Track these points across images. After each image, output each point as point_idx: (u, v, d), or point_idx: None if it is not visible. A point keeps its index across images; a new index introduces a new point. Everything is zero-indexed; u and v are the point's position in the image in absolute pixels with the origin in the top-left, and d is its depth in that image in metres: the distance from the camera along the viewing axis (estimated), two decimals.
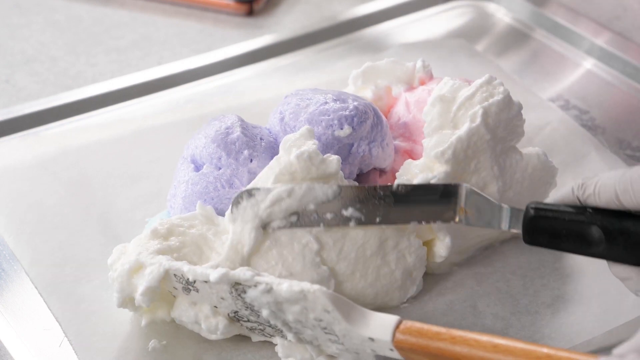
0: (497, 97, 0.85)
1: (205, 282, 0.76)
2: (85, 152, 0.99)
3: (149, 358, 0.80)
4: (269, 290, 0.74)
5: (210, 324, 0.79)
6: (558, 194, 0.76)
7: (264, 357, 0.80)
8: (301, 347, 0.78)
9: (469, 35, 1.18)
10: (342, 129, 0.85)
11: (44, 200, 0.94)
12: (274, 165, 0.80)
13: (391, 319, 0.73)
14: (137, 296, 0.79)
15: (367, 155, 0.86)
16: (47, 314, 0.83)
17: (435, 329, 0.72)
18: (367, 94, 0.93)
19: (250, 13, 1.21)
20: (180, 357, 0.80)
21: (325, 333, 0.75)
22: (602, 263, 0.87)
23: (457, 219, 0.78)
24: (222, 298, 0.77)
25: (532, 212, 0.76)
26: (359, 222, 0.79)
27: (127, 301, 0.81)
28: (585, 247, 0.75)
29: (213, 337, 0.80)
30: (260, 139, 0.85)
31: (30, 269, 0.87)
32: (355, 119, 0.85)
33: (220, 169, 0.84)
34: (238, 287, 0.76)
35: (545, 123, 1.01)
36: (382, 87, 0.93)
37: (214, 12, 1.22)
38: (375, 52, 1.13)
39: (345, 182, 0.82)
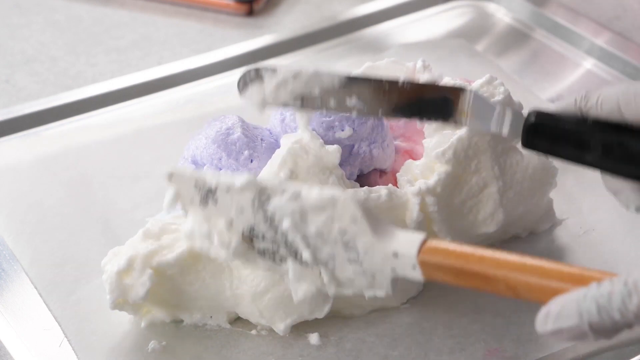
0: (498, 98, 0.85)
1: (228, 191, 0.74)
2: (85, 152, 0.99)
3: (149, 359, 0.80)
4: (296, 196, 0.72)
5: (224, 238, 0.76)
6: (561, 103, 0.76)
7: (265, 353, 0.80)
8: (313, 273, 0.75)
9: (469, 35, 1.18)
10: (343, 130, 0.85)
11: (44, 200, 0.94)
12: (276, 156, 0.80)
13: (417, 236, 0.71)
14: (134, 295, 0.79)
15: (368, 157, 0.85)
16: (47, 314, 0.83)
17: (461, 247, 0.69)
18: None
19: (250, 13, 1.21)
20: (180, 357, 0.80)
21: (346, 250, 0.72)
22: (601, 263, 0.87)
23: (457, 121, 0.77)
24: (242, 210, 0.74)
25: (533, 118, 0.76)
26: (361, 112, 0.78)
27: (120, 303, 0.81)
28: (582, 155, 0.75)
29: (223, 253, 0.76)
30: (261, 139, 0.85)
31: (30, 269, 0.87)
32: (356, 120, 0.85)
33: (220, 169, 0.84)
34: (263, 195, 0.73)
35: None
36: None
37: (214, 12, 1.22)
38: (375, 52, 1.13)
39: (346, 182, 0.82)
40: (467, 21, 1.21)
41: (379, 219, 0.72)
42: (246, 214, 0.74)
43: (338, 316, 0.83)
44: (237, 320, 0.83)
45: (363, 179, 0.87)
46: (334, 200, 0.71)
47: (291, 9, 1.23)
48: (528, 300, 0.68)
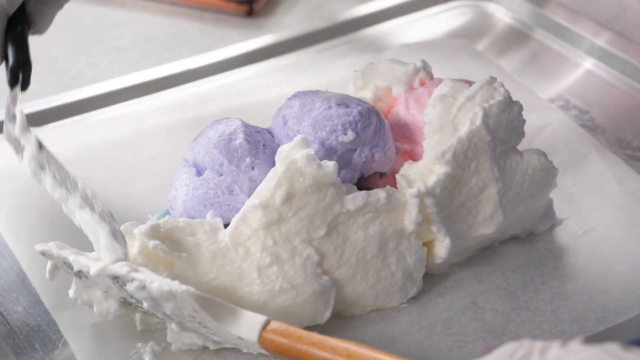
0: (498, 99, 0.85)
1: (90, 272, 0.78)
2: (85, 152, 0.99)
3: (148, 358, 0.80)
4: (142, 287, 0.75)
5: (102, 308, 0.81)
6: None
7: (263, 355, 0.80)
8: (189, 333, 0.79)
9: (469, 35, 1.18)
10: (346, 134, 0.84)
11: (44, 199, 0.94)
12: (271, 178, 0.80)
13: (259, 319, 0.75)
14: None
15: (370, 161, 0.85)
16: (47, 314, 0.83)
17: (299, 332, 0.74)
18: (367, 94, 0.93)
19: (250, 13, 1.21)
20: (179, 357, 0.80)
21: (203, 327, 0.76)
22: (601, 262, 0.87)
23: None
24: (109, 286, 0.78)
25: None
26: None
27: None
28: None
29: (108, 319, 0.81)
30: (263, 145, 0.85)
31: (29, 268, 0.87)
32: (359, 125, 0.85)
33: (221, 175, 0.84)
34: (118, 280, 0.77)
35: (545, 124, 1.01)
36: (382, 88, 0.93)
37: (213, 12, 1.22)
38: (375, 52, 1.13)
39: (343, 188, 0.82)
40: (467, 21, 1.21)
41: (221, 303, 0.76)
42: (114, 290, 0.79)
43: (338, 317, 0.83)
44: None
45: (363, 181, 0.87)
46: (173, 294, 0.75)
47: (291, 9, 1.23)
48: None
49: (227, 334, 0.76)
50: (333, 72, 1.09)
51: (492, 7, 1.22)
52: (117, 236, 0.79)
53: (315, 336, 0.73)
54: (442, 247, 0.84)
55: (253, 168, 0.84)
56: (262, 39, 1.16)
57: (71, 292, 0.81)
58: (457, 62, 1.10)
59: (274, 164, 0.82)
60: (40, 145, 0.82)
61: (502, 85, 0.87)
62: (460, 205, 0.85)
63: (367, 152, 0.85)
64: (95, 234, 0.80)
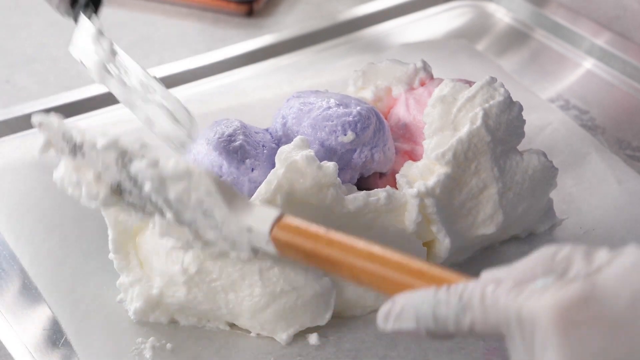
0: (498, 99, 0.85)
1: (93, 148, 0.75)
2: None
3: (148, 357, 0.80)
4: (154, 164, 0.73)
5: (92, 191, 0.77)
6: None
7: (263, 353, 0.80)
8: (180, 229, 0.77)
9: (469, 35, 1.18)
10: (345, 135, 0.84)
11: (44, 200, 0.94)
12: (272, 179, 0.80)
13: (272, 212, 0.72)
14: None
15: (369, 161, 0.85)
16: (47, 313, 0.83)
17: (314, 228, 0.70)
18: (367, 94, 0.93)
19: (250, 13, 1.21)
20: (179, 356, 0.80)
21: (205, 217, 0.74)
22: None
23: None
24: (107, 167, 0.76)
25: None
26: None
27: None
28: None
29: (93, 204, 0.78)
30: (263, 146, 0.85)
31: (30, 268, 0.87)
32: (358, 125, 0.85)
33: (221, 177, 0.84)
34: (125, 157, 0.74)
35: (545, 124, 1.01)
36: (382, 88, 0.93)
37: (214, 12, 1.22)
38: (375, 52, 1.13)
39: (344, 189, 0.82)
40: (467, 21, 1.21)
41: (236, 193, 0.73)
42: (112, 170, 0.75)
43: (338, 317, 0.83)
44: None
45: (363, 181, 0.87)
46: (190, 173, 0.72)
47: (291, 9, 1.23)
48: (372, 289, 0.67)
49: (233, 225, 0.73)
50: (333, 72, 1.09)
51: (492, 7, 1.22)
52: (181, 117, 0.77)
53: (332, 234, 0.69)
54: (442, 248, 0.84)
55: (253, 169, 0.84)
56: (262, 39, 1.16)
57: (57, 173, 0.78)
58: (457, 62, 1.10)
59: (273, 165, 0.82)
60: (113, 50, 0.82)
61: (502, 86, 0.86)
62: (460, 206, 0.85)
63: (366, 152, 0.85)
64: (156, 120, 0.78)
